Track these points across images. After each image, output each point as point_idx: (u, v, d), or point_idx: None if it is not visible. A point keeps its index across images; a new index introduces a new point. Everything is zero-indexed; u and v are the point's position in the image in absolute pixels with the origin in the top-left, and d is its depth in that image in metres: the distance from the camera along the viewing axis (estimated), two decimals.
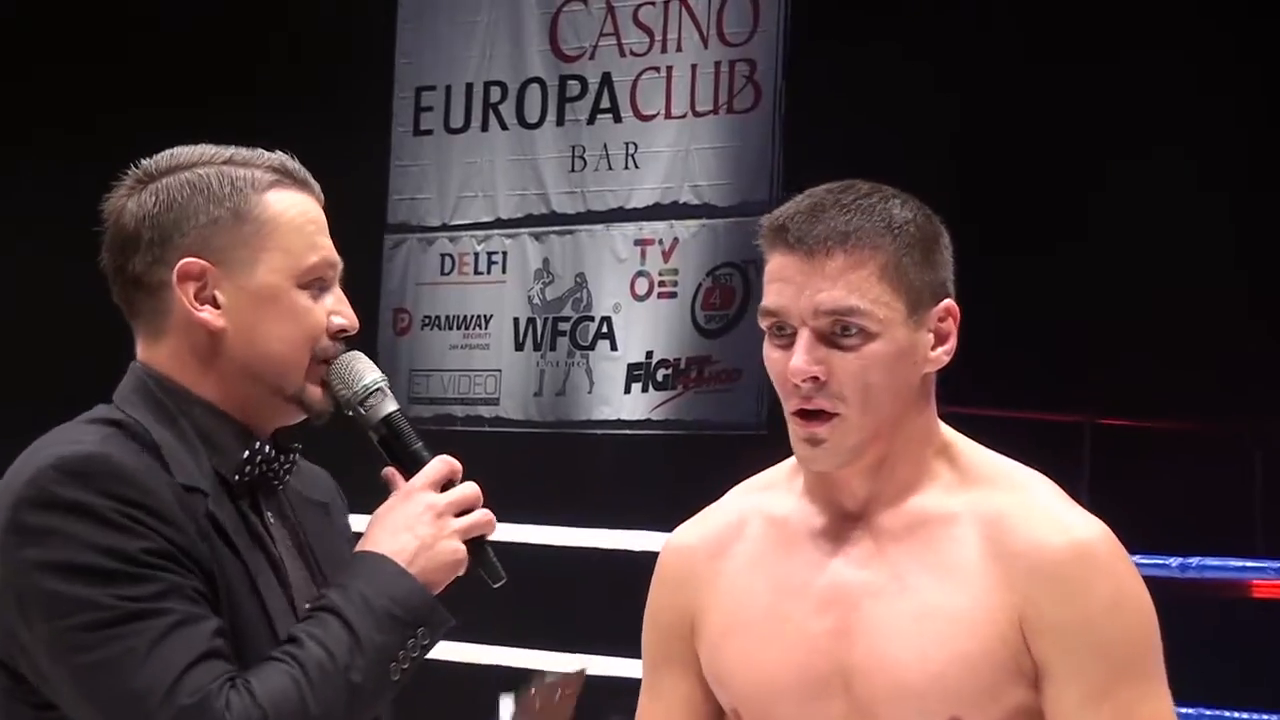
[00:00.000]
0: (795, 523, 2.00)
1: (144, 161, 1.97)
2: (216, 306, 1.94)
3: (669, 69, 7.89)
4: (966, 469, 1.98)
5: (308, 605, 1.91)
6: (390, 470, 1.98)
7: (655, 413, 7.87)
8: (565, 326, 8.12)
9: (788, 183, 7.48)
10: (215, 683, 1.80)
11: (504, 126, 8.27)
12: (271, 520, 1.97)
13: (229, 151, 1.98)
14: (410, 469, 1.97)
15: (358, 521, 2.03)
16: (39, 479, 1.84)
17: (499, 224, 8.27)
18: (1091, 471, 6.28)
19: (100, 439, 1.88)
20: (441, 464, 1.96)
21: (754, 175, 7.63)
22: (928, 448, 1.98)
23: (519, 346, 8.23)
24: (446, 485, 1.96)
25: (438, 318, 8.43)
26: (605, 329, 8.03)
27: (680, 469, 7.71)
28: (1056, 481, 2.02)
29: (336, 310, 1.98)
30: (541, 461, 7.84)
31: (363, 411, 1.98)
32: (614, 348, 8.00)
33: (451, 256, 8.36)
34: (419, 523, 1.92)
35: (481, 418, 8.27)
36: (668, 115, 7.87)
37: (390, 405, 1.98)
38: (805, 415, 1.92)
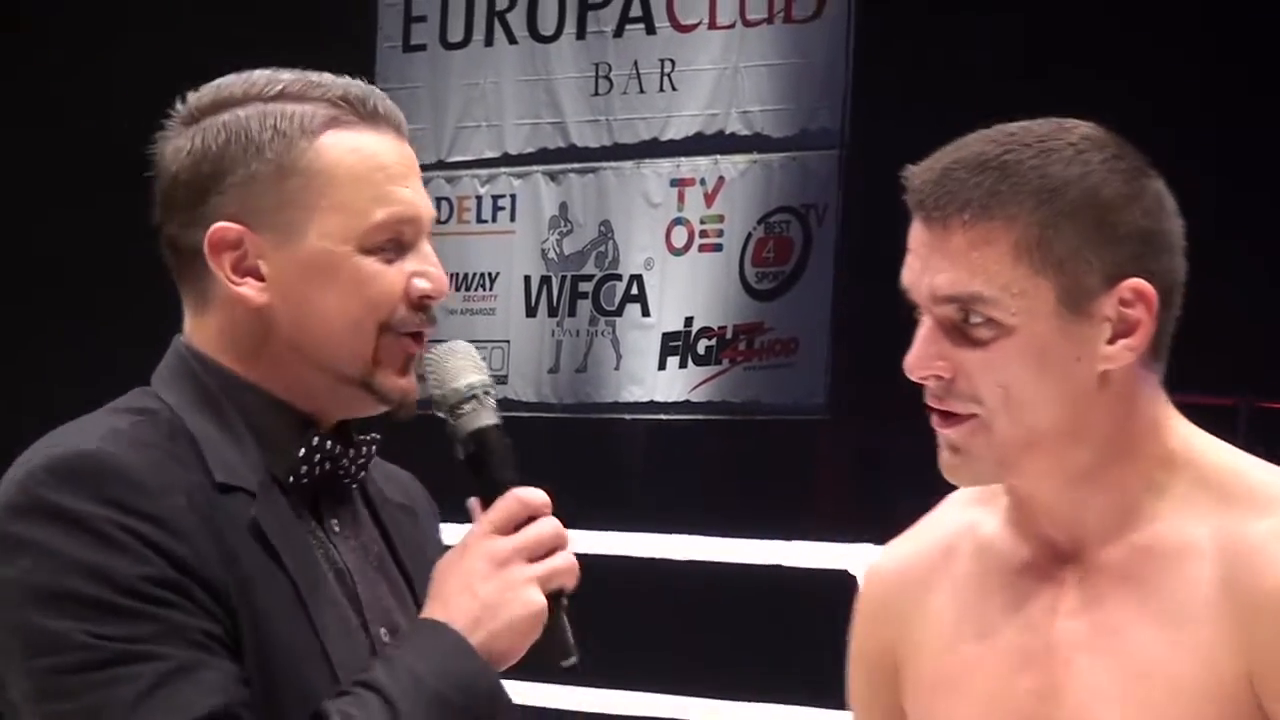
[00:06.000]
0: (999, 551, 1.98)
1: (190, 95, 1.96)
2: (260, 279, 1.92)
3: None
4: (1218, 483, 1.91)
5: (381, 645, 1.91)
6: (474, 501, 1.94)
7: (696, 393, 7.81)
8: (587, 287, 8.07)
9: (861, 109, 7.41)
10: None
11: (513, 40, 8.22)
12: (336, 528, 1.95)
13: (283, 81, 1.94)
14: (494, 500, 1.93)
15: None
16: (28, 482, 1.83)
17: (506, 160, 8.23)
18: None
19: (107, 432, 1.86)
20: (513, 501, 1.91)
21: (818, 100, 7.56)
22: (1145, 461, 1.92)
23: (531, 312, 8.19)
24: (524, 526, 1.92)
25: None
26: (635, 290, 7.98)
27: (726, 461, 7.66)
28: None
29: (419, 272, 1.93)
30: (558, 453, 7.79)
31: (452, 420, 1.94)
32: (646, 313, 7.94)
33: (449, 200, 8.32)
34: (478, 579, 1.88)
35: None
36: (712, 25, 7.82)
37: (487, 418, 1.94)
38: (940, 415, 1.89)
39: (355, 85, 1.96)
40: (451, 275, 8.31)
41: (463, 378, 1.94)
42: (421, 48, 8.38)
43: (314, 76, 1.95)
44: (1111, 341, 1.87)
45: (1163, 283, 1.88)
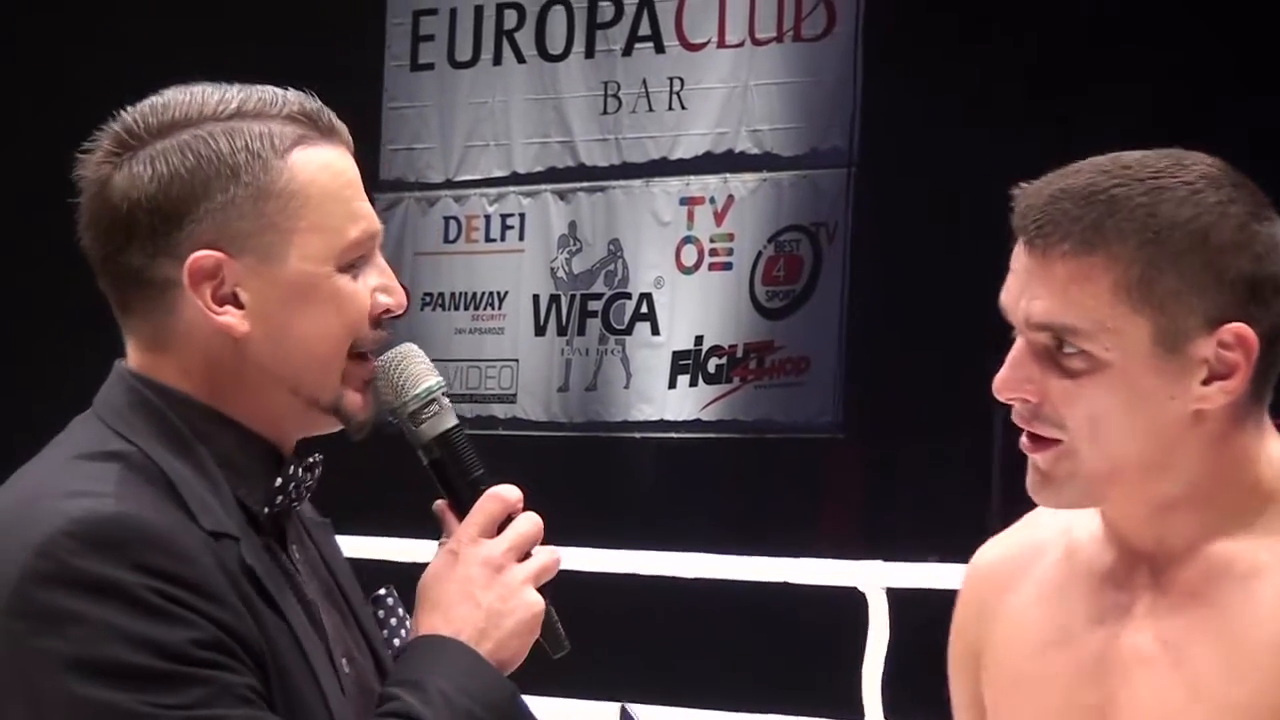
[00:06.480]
0: (1087, 556, 1.97)
1: (126, 114, 1.87)
2: (239, 306, 1.86)
3: None
4: None
5: (380, 699, 1.88)
6: (442, 505, 1.93)
7: (706, 412, 7.80)
8: (596, 306, 8.07)
9: (870, 127, 7.40)
10: None
11: (521, 59, 8.22)
12: (297, 555, 1.93)
13: (235, 99, 1.86)
14: (468, 502, 1.92)
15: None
16: (51, 548, 1.77)
17: (515, 179, 8.22)
18: None
19: (116, 487, 1.81)
20: (492, 502, 1.91)
21: (827, 118, 7.55)
22: (1234, 491, 1.90)
23: (540, 330, 8.18)
24: (503, 525, 1.92)
25: (441, 295, 8.38)
26: (645, 309, 7.97)
27: (736, 480, 7.64)
28: None
29: (381, 288, 1.90)
30: (568, 472, 7.79)
31: (413, 426, 1.92)
32: (655, 332, 7.94)
33: (457, 220, 8.32)
34: (478, 587, 1.88)
35: (494, 419, 8.21)
36: (721, 44, 7.81)
37: (449, 420, 1.93)
38: (1027, 436, 1.88)
39: (305, 99, 1.88)
40: (460, 294, 8.35)
41: (422, 382, 1.92)
42: (429, 66, 8.37)
43: (260, 92, 1.87)
44: (1207, 383, 1.84)
45: (1267, 327, 1.85)
